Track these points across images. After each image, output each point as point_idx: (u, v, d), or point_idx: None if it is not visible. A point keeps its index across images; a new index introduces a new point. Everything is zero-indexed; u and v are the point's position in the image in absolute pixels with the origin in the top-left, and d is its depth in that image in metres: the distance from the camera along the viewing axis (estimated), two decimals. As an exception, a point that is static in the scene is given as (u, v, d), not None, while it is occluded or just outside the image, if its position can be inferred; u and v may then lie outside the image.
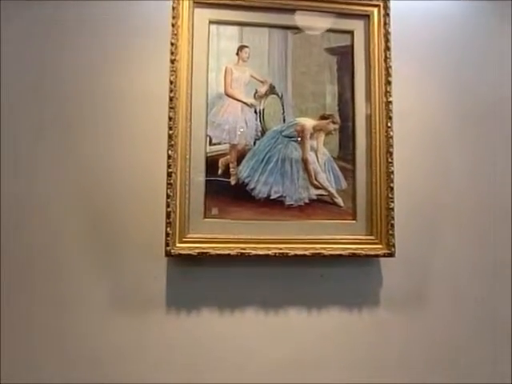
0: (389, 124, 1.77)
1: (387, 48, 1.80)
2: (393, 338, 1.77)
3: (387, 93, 1.79)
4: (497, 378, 1.82)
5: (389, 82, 1.79)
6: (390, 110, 1.77)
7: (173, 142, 1.64)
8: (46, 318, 1.62)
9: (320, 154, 1.78)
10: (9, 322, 1.60)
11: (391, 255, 1.74)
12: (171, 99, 1.65)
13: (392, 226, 1.74)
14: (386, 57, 1.79)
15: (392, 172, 1.75)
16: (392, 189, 1.75)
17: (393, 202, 1.75)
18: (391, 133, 1.76)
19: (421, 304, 1.81)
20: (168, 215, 1.62)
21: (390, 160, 1.75)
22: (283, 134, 1.77)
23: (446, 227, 1.86)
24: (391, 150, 1.76)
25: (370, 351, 1.75)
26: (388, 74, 1.79)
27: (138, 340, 1.64)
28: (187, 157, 1.66)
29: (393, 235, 1.75)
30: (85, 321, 1.63)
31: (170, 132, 1.64)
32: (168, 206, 1.62)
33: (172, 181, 1.63)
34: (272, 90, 1.78)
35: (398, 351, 1.76)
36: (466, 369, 1.80)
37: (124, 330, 1.64)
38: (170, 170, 1.63)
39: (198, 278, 1.68)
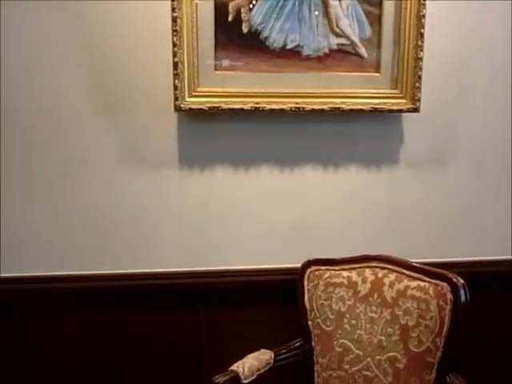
0: (424, -44, 1.53)
1: None
2: (411, 196, 1.73)
3: None
4: None
5: None
6: None
7: (176, -19, 1.46)
8: (56, 179, 1.60)
9: (343, -4, 1.58)
10: (15, 181, 1.58)
11: (416, 110, 1.63)
12: None
13: (419, 78, 1.60)
14: None
15: (424, 16, 1.56)
16: (422, 36, 1.57)
17: (422, 50, 1.58)
18: (426, -32, 1.54)
19: (442, 163, 1.74)
20: (175, 66, 1.50)
21: (422, 1, 1.55)
22: (301, -29, 1.55)
23: (478, 83, 1.71)
24: (425, -11, 1.55)
25: (387, 209, 1.73)
26: None
27: (150, 198, 1.63)
28: (193, -1, 1.49)
29: (419, 89, 1.61)
30: (96, 180, 1.61)
31: (173, -32, 1.45)
32: (175, 55, 1.49)
33: (178, 27, 1.48)
34: None
35: (416, 209, 1.74)
36: (483, 227, 1.79)
37: (136, 188, 1.62)
38: (174, 15, 1.47)
39: (211, 134, 1.62)
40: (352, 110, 1.60)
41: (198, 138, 1.62)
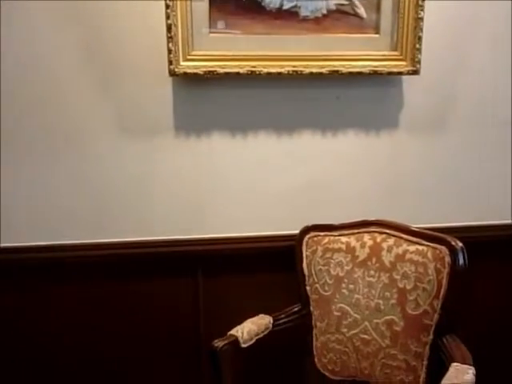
0: None
1: None
2: (411, 160, 1.71)
3: None
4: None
5: None
6: None
7: None
8: (52, 146, 1.57)
9: (341, -48, 1.52)
10: (13, 150, 1.56)
11: (415, 73, 1.59)
12: None
13: (420, 39, 1.56)
14: None
15: (425, -27, 1.51)
16: (423, -6, 1.53)
17: (423, 10, 1.53)
18: None
19: (443, 127, 1.71)
20: (169, 28, 1.45)
21: (423, -42, 1.50)
22: None
23: (479, 45, 1.67)
24: None
25: (386, 173, 1.71)
26: None
27: (147, 165, 1.61)
28: (186, -44, 1.43)
29: (419, 50, 1.57)
30: (91, 148, 1.58)
31: None
32: (168, 17, 1.44)
33: (170, -13, 1.43)
34: None
35: (416, 173, 1.72)
36: (483, 191, 1.77)
37: (132, 155, 1.60)
38: (166, -26, 1.42)
39: (206, 100, 1.58)
40: (351, 72, 1.57)
41: (193, 103, 1.58)
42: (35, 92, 1.54)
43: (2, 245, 1.60)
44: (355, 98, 1.65)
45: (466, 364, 1.25)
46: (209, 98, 1.59)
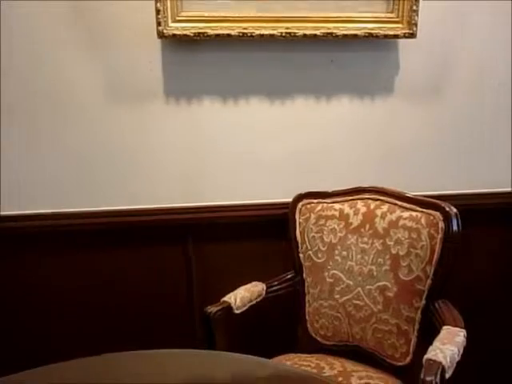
0: None
1: None
2: (406, 126, 1.68)
3: None
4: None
5: None
6: None
7: None
8: (39, 113, 1.52)
9: None
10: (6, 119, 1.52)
11: (412, 36, 1.55)
12: None
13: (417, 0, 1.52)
14: None
15: None
16: (422, -48, 1.48)
17: (421, -31, 1.49)
18: None
19: (439, 92, 1.68)
20: (156, -13, 1.40)
21: None
22: None
23: (478, 7, 1.62)
24: None
25: (381, 140, 1.68)
26: None
27: (137, 132, 1.57)
28: None
29: (416, 12, 1.53)
30: (80, 113, 1.54)
31: None
32: (155, -25, 1.39)
33: None
34: None
35: (412, 140, 1.69)
36: (480, 158, 1.75)
37: (122, 121, 1.56)
38: None
39: (197, 63, 1.54)
40: (345, 35, 1.52)
41: (183, 67, 1.54)
42: (21, 60, 1.48)
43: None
44: (350, 62, 1.61)
45: (457, 327, 1.26)
46: (199, 62, 1.54)
